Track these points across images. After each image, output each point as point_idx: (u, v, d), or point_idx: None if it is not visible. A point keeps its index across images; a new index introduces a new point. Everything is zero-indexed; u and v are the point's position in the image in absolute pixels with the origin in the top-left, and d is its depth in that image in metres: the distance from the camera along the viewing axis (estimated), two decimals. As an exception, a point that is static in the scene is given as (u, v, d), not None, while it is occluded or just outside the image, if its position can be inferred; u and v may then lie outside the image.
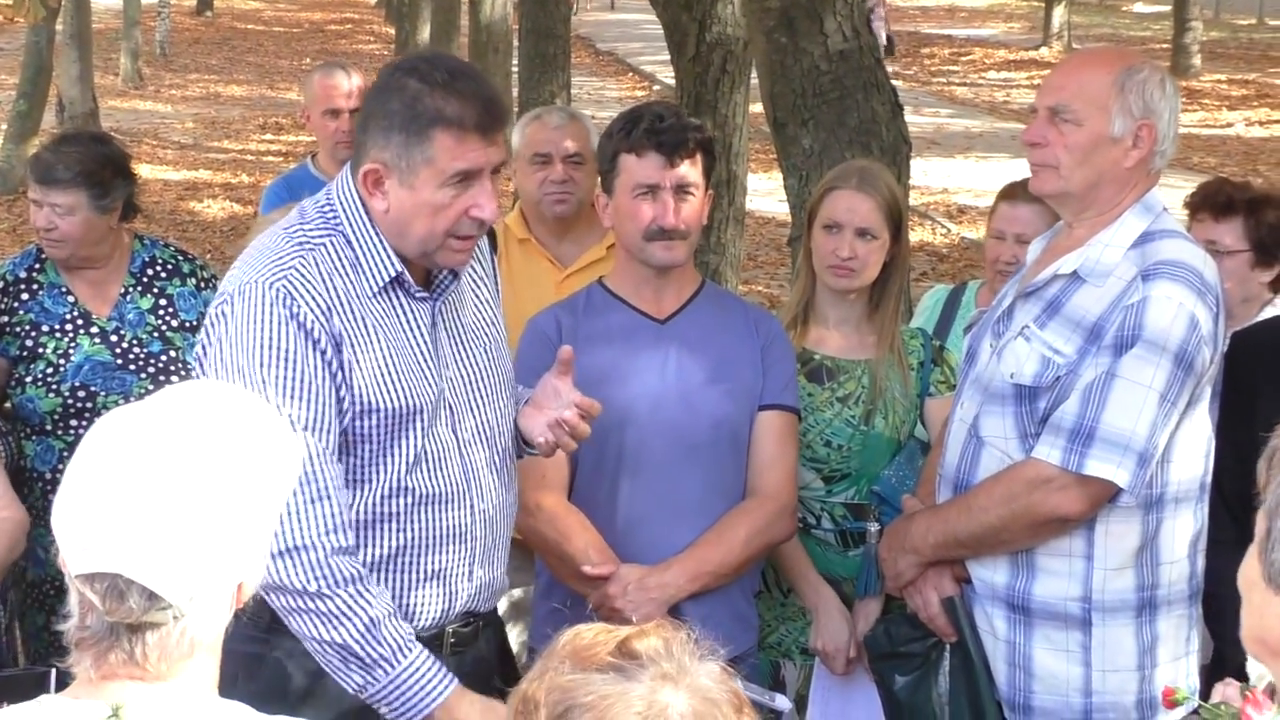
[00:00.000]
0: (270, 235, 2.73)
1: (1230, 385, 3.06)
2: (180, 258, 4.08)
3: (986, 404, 3.03)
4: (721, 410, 3.27)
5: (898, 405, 3.52)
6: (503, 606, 4.11)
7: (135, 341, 3.91)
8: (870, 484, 3.48)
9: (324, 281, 2.63)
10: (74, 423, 3.83)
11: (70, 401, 3.84)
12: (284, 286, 2.59)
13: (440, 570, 2.77)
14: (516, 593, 3.89)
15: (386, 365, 2.67)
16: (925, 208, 12.84)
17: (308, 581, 2.55)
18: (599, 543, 3.21)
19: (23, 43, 15.40)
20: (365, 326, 2.66)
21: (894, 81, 4.96)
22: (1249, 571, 1.61)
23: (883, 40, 21.04)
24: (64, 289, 3.94)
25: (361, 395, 2.63)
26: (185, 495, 1.73)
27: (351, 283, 2.66)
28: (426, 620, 2.77)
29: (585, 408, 2.82)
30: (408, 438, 2.70)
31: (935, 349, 3.66)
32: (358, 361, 2.63)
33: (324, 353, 2.60)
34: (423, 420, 2.70)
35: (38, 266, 3.96)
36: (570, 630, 1.67)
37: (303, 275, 2.61)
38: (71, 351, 3.87)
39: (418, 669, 2.60)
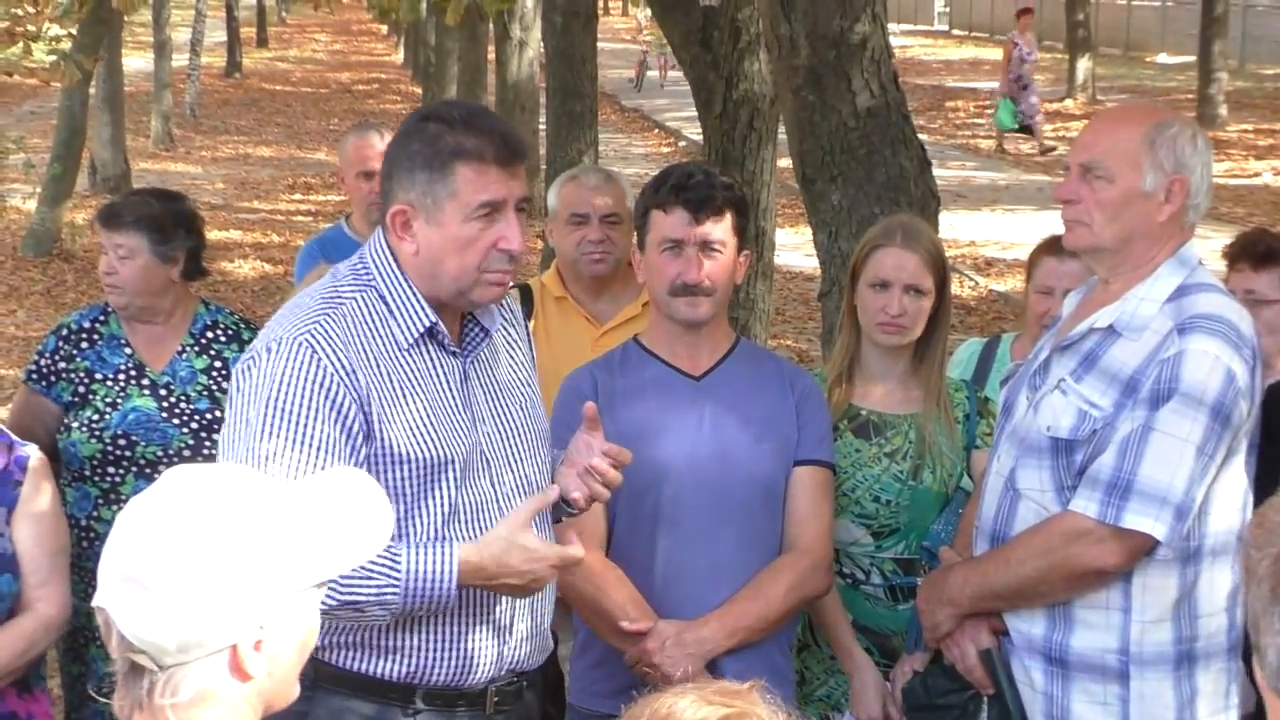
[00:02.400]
0: (303, 294, 2.79)
1: (1267, 436, 3.07)
2: (243, 325, 4.14)
3: (1023, 457, 3.04)
4: (757, 466, 3.28)
5: (945, 459, 3.52)
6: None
7: (183, 397, 3.96)
8: (919, 538, 3.48)
9: (351, 337, 2.66)
10: (111, 470, 3.89)
11: (110, 449, 3.89)
12: (307, 340, 2.63)
13: (486, 623, 2.78)
14: (561, 650, 3.89)
15: (417, 417, 2.69)
16: (953, 261, 12.82)
17: None
18: (636, 598, 3.22)
19: (56, 106, 15.58)
20: (393, 381, 2.68)
21: (920, 136, 4.99)
22: (1259, 676, 1.63)
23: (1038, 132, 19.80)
24: (123, 341, 4.01)
25: (392, 447, 2.66)
26: (161, 545, 1.77)
27: (381, 337, 2.70)
28: (479, 674, 2.79)
29: (613, 455, 2.84)
30: (441, 489, 2.72)
31: (980, 401, 3.67)
32: (386, 414, 2.66)
33: (344, 415, 2.62)
34: (454, 472, 2.72)
35: (102, 319, 4.05)
36: (663, 702, 1.59)
37: (327, 332, 2.65)
38: (120, 401, 3.93)
39: (417, 561, 2.61)
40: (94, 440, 3.90)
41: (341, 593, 2.56)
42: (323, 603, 2.47)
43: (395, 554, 2.61)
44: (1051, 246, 4.00)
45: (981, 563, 3.10)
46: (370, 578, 2.58)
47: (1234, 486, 2.96)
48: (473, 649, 2.78)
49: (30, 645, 3.33)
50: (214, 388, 3.99)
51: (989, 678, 3.09)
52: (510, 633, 2.82)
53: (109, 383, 3.95)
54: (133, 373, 3.97)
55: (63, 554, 3.45)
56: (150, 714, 1.80)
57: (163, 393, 3.96)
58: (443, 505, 2.73)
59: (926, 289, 3.49)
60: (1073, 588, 2.95)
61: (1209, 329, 2.87)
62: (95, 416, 3.92)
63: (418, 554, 2.63)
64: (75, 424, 3.92)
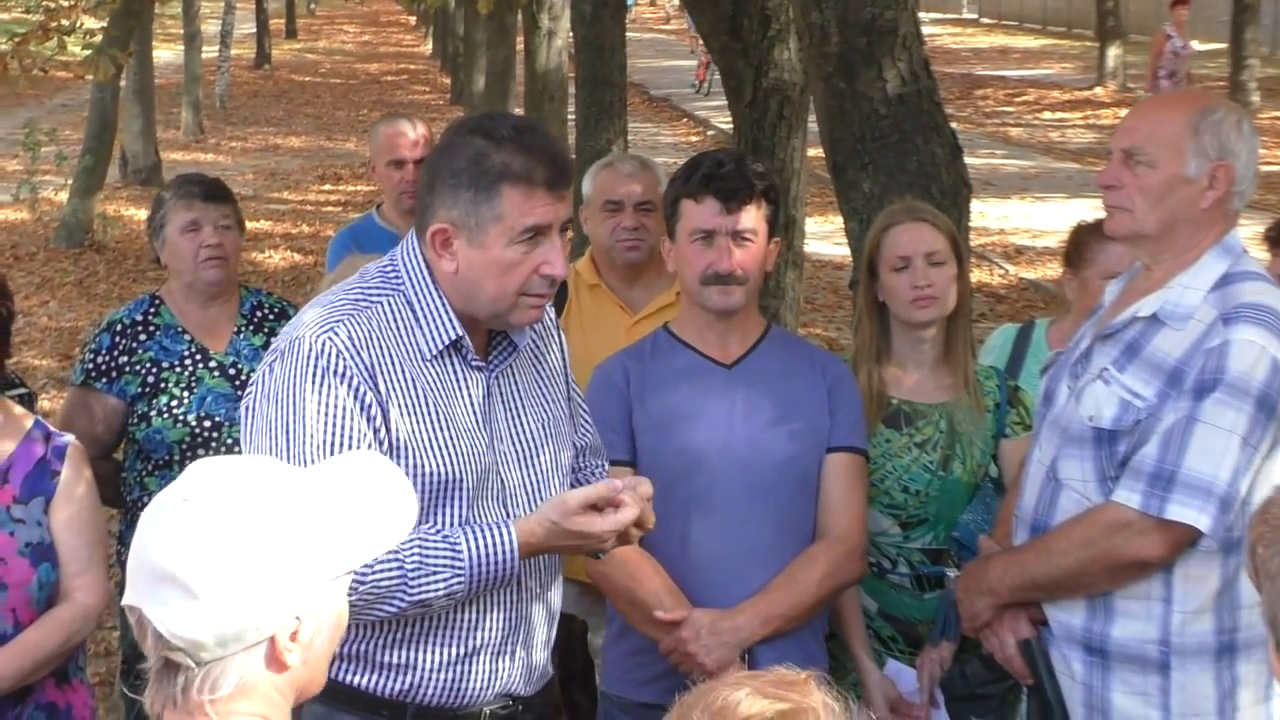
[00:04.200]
0: (330, 293, 2.73)
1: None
2: (285, 304, 4.23)
3: (1065, 447, 3.01)
4: (790, 453, 3.27)
5: (974, 449, 3.50)
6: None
7: (252, 374, 3.97)
8: (947, 529, 3.46)
9: (374, 341, 2.60)
10: (200, 452, 3.91)
11: (197, 431, 3.93)
12: (330, 338, 2.58)
13: (483, 645, 2.72)
14: (586, 635, 3.90)
15: (433, 430, 2.63)
16: (983, 249, 12.80)
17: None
18: (671, 587, 3.21)
19: (87, 98, 15.65)
20: (415, 389, 2.63)
21: (950, 124, 4.96)
22: (1277, 667, 1.62)
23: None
24: (179, 328, 4.06)
25: (405, 458, 2.59)
26: (198, 542, 1.77)
27: (405, 345, 2.64)
28: (473, 697, 2.74)
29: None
30: (452, 508, 2.65)
31: (1010, 389, 3.64)
32: (404, 423, 2.60)
33: (368, 409, 2.57)
34: (466, 491, 2.66)
35: (153, 310, 4.09)
36: (719, 694, 1.57)
37: (350, 333, 2.59)
38: (194, 385, 3.98)
39: (478, 547, 2.59)
40: (179, 425, 3.93)
41: (411, 594, 2.56)
42: (392, 604, 2.54)
43: (455, 544, 2.59)
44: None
45: (1022, 553, 3.08)
46: (436, 573, 2.57)
47: (1278, 476, 2.92)
48: (468, 671, 2.72)
49: (70, 635, 3.32)
50: None
51: (1028, 668, 3.07)
52: (509, 658, 2.76)
53: (177, 368, 4.00)
54: (197, 356, 4.02)
55: (101, 543, 3.43)
56: (185, 712, 1.80)
57: (231, 372, 4.01)
58: (452, 523, 2.66)
59: (945, 258, 3.47)
60: (1114, 579, 2.93)
61: (1254, 318, 2.84)
62: (174, 402, 3.96)
63: (478, 540, 2.60)
64: (153, 412, 3.95)
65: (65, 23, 10.65)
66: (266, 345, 3.98)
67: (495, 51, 18.06)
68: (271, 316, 4.12)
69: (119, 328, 4.04)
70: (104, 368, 3.99)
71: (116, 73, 12.40)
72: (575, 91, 11.11)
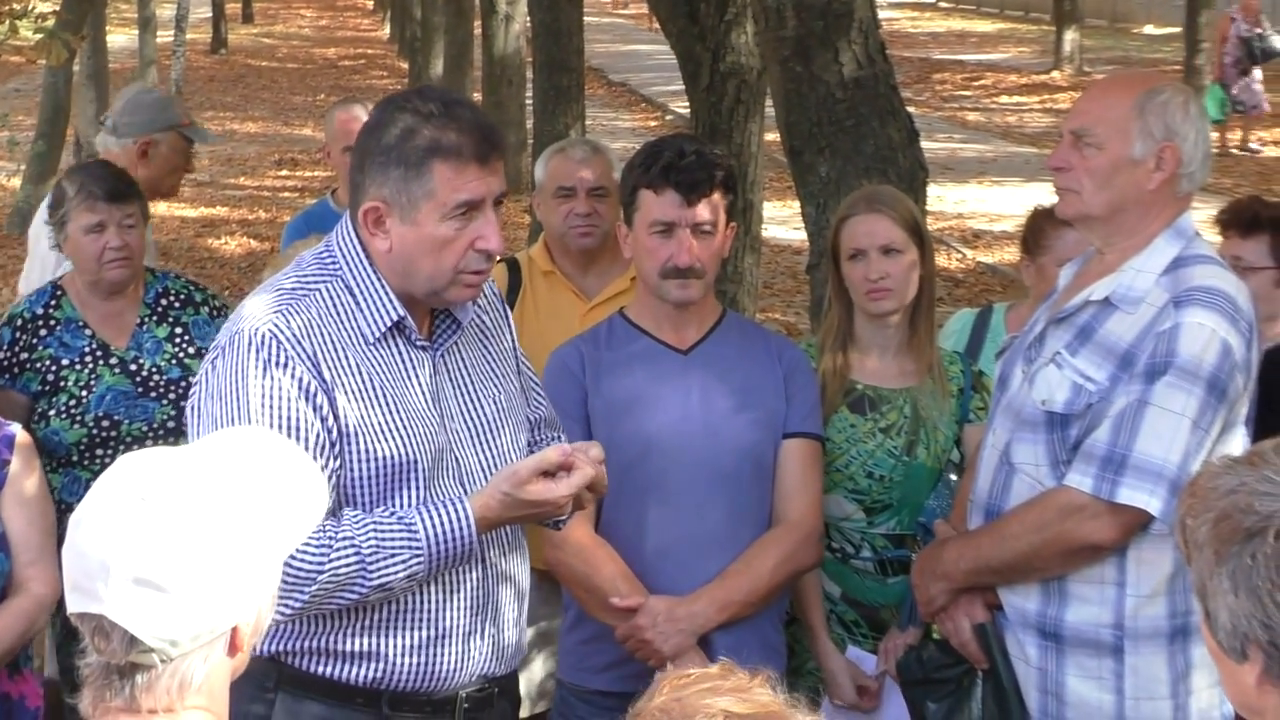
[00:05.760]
0: (268, 284, 2.70)
1: (1264, 403, 3.05)
2: (192, 288, 4.16)
3: (1018, 431, 3.02)
4: (746, 439, 3.27)
5: (939, 435, 3.50)
6: (528, 635, 4.11)
7: (154, 369, 3.96)
8: (911, 514, 3.47)
9: (316, 328, 2.58)
10: (99, 452, 3.87)
11: (95, 432, 3.88)
12: (269, 333, 2.55)
13: (453, 627, 2.70)
14: (543, 623, 3.89)
15: (383, 414, 2.60)
16: (941, 233, 12.84)
17: (305, 588, 2.51)
18: (627, 574, 3.20)
19: (40, 83, 15.50)
20: (361, 374, 2.60)
21: (907, 108, 4.96)
22: (1210, 645, 1.63)
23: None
24: (81, 323, 3.98)
25: (356, 444, 2.58)
26: (167, 542, 1.74)
27: (348, 329, 2.61)
28: (449, 681, 2.71)
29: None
30: (407, 490, 2.63)
31: (975, 375, 3.65)
32: (352, 410, 2.57)
33: (313, 398, 2.55)
34: (421, 473, 2.64)
35: (54, 303, 4.00)
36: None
37: (291, 323, 2.56)
38: (93, 383, 3.91)
39: (434, 525, 2.58)
40: (77, 426, 3.88)
41: (371, 579, 2.55)
42: (354, 591, 2.54)
43: (410, 524, 2.58)
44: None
45: (976, 537, 3.09)
46: (394, 555, 2.56)
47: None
48: (440, 654, 2.69)
49: (30, 625, 3.32)
50: (181, 354, 3.98)
51: (983, 652, 3.08)
52: (480, 637, 2.73)
53: (77, 366, 3.93)
54: (98, 353, 3.95)
55: (51, 533, 3.40)
56: (137, 711, 1.77)
57: (133, 368, 3.95)
58: (410, 505, 2.64)
59: (903, 247, 3.45)
60: (1067, 563, 2.94)
61: (1205, 302, 2.85)
62: (72, 402, 3.90)
63: (433, 518, 2.59)
64: (52, 411, 3.89)
65: (17, 6, 10.53)
66: (170, 336, 4.00)
67: (453, 36, 18.00)
68: (177, 304, 4.06)
69: (19, 322, 3.96)
70: (6, 364, 3.92)
71: (70, 57, 12.26)
72: (533, 76, 11.08)
